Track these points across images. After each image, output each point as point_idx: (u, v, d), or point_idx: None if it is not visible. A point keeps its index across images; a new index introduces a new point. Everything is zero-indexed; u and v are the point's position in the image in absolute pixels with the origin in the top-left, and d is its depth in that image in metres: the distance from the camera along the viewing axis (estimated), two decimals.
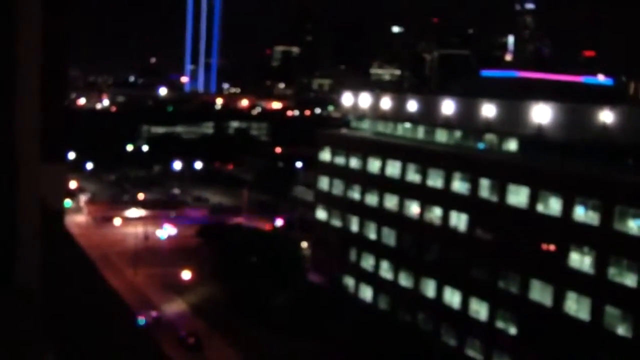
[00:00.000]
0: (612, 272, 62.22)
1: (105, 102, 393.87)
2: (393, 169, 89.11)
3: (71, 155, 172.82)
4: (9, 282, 5.02)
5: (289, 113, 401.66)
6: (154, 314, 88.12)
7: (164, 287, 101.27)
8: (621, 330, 61.70)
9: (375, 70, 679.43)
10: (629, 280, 60.87)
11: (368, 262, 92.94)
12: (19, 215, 4.97)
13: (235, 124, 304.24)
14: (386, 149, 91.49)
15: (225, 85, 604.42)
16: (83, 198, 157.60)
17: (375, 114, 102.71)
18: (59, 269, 6.61)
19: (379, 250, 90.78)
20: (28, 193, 4.97)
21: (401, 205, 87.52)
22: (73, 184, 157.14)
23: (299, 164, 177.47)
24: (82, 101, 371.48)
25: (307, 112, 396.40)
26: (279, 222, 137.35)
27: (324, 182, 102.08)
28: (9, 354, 4.62)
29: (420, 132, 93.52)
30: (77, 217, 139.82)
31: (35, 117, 4.87)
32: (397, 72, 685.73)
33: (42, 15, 4.81)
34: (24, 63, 4.72)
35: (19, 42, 4.63)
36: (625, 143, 67.08)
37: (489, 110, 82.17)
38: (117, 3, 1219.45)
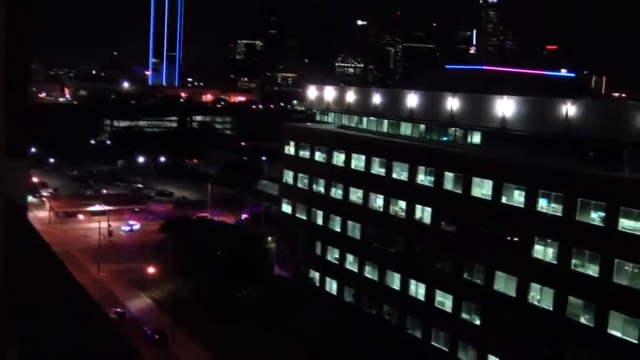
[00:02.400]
0: (574, 262, 63.09)
1: (67, 95, 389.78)
2: (358, 162, 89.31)
3: (33, 150, 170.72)
4: None
5: (254, 107, 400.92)
6: (118, 310, 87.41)
7: (128, 283, 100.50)
8: (584, 319, 62.61)
9: (339, 64, 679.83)
10: (591, 271, 61.77)
11: (333, 256, 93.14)
12: None
13: (199, 118, 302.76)
14: (351, 142, 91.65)
15: (189, 79, 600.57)
16: (45, 193, 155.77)
17: (340, 107, 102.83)
18: (24, 265, 6.51)
19: (344, 243, 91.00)
20: None
21: (366, 198, 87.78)
22: (35, 179, 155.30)
23: (263, 158, 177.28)
24: (43, 95, 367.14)
25: (272, 106, 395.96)
26: (244, 216, 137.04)
27: (288, 176, 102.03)
28: None
29: (385, 126, 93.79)
30: (39, 212, 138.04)
31: (0, 112, 4.78)
32: (362, 65, 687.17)
33: (5, 9, 4.72)
34: None
35: None
36: (587, 136, 67.92)
37: (453, 103, 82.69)
38: None
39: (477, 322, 73.14)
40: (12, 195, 6.85)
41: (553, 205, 65.11)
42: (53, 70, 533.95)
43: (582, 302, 63.01)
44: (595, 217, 61.90)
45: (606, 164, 63.71)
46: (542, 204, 66.07)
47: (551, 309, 65.18)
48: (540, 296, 66.56)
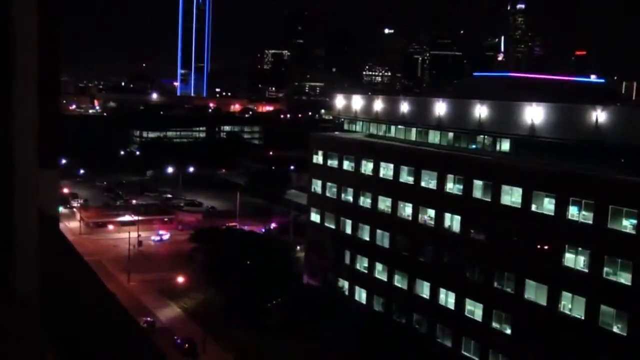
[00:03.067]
0: (606, 270, 62.35)
1: (97, 107, 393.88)
2: (386, 170, 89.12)
3: (63, 161, 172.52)
4: (8, 289, 4.97)
5: (282, 116, 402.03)
6: (148, 319, 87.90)
7: (158, 292, 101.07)
8: (616, 328, 61.82)
9: (367, 73, 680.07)
10: (623, 279, 61.01)
11: (362, 264, 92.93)
12: (17, 221, 4.90)
13: (227, 128, 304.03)
14: (379, 151, 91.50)
15: (217, 89, 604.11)
16: (75, 204, 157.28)
17: (368, 116, 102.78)
18: (57, 275, 6.55)
19: (373, 252, 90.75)
20: (25, 199, 4.91)
21: (395, 207, 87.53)
22: (65, 190, 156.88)
23: (292, 167, 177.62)
24: (73, 107, 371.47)
25: (300, 115, 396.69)
26: (273, 226, 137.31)
27: (317, 185, 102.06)
28: None
29: (413, 134, 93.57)
30: (70, 223, 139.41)
31: (33, 123, 4.82)
32: (389, 73, 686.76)
33: (38, 19, 4.76)
34: (21, 68, 4.66)
35: (16, 46, 4.57)
36: (617, 142, 67.26)
37: (481, 111, 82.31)
38: (108, 8, 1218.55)
39: (508, 331, 72.53)
40: (45, 206, 6.89)
41: (584, 212, 64.46)
42: (82, 83, 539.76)
43: (615, 311, 62.21)
44: (628, 224, 61.15)
45: (637, 170, 62.95)
46: (573, 212, 65.41)
47: (583, 318, 64.45)
48: (571, 305, 65.85)
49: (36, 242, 4.87)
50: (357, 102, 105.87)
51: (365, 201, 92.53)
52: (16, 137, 4.53)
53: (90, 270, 7.59)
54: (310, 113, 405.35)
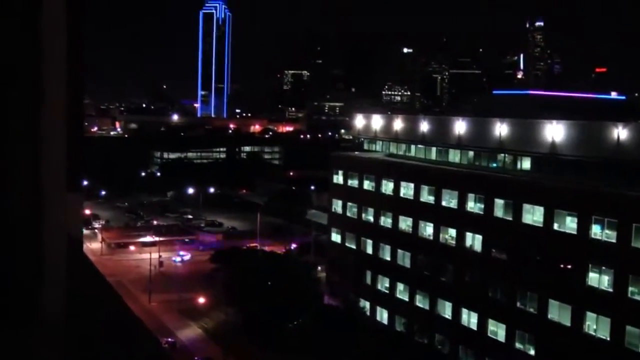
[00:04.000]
0: (631, 290, 61.59)
1: (118, 129, 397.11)
2: (406, 190, 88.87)
3: (85, 183, 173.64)
4: (35, 312, 4.98)
5: (301, 136, 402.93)
6: (169, 339, 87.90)
7: (179, 312, 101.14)
8: None
9: (386, 92, 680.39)
10: None
11: (383, 284, 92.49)
12: (44, 245, 4.92)
13: (247, 149, 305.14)
14: (399, 170, 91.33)
15: (237, 110, 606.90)
16: (97, 225, 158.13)
17: (388, 135, 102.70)
18: (82, 298, 6.56)
19: (394, 272, 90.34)
20: (53, 223, 4.92)
21: (415, 226, 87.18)
22: (87, 211, 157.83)
23: (312, 187, 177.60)
24: (95, 129, 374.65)
25: (320, 135, 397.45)
26: (294, 246, 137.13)
27: (337, 205, 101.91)
28: None
29: (433, 153, 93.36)
30: (92, 244, 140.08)
31: (61, 147, 4.83)
32: (408, 93, 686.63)
33: (66, 41, 4.79)
34: (50, 91, 4.69)
35: (45, 68, 4.59)
36: None
37: (501, 129, 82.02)
38: (127, 29, 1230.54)
39: (532, 352, 71.73)
40: (70, 228, 6.91)
41: (607, 231, 63.81)
42: (104, 105, 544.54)
43: None
44: None
45: None
46: (596, 230, 64.79)
47: (608, 338, 63.62)
48: (596, 325, 65.03)
49: (64, 264, 4.89)
50: (377, 121, 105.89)
51: (386, 221, 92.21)
52: (44, 161, 4.55)
53: (114, 292, 7.59)
54: (330, 133, 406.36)
